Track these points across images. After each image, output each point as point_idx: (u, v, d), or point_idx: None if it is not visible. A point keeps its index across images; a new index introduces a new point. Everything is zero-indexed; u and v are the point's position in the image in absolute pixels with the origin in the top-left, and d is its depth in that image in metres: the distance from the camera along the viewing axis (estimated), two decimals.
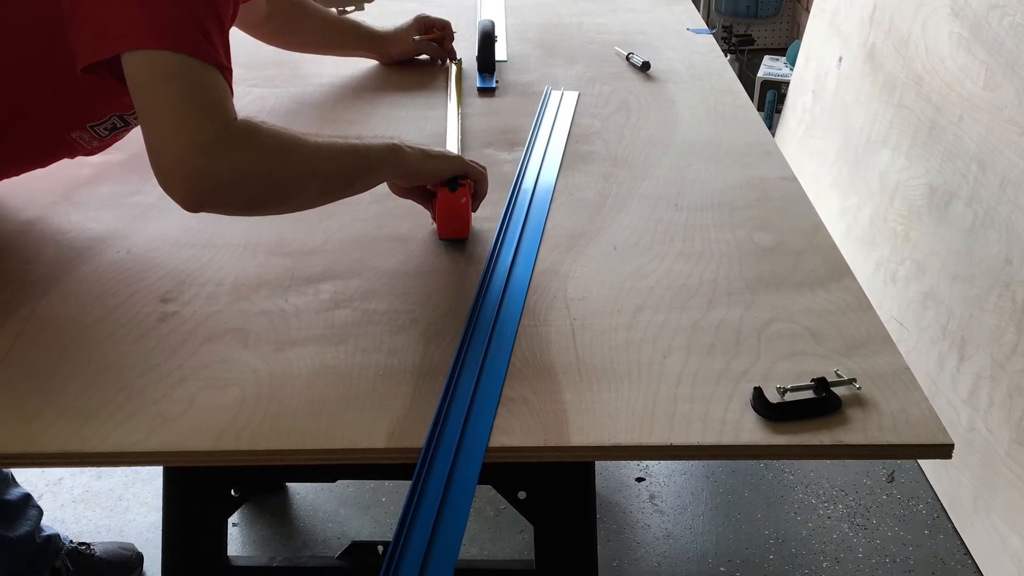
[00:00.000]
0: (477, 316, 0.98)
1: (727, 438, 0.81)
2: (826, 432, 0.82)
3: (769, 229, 1.15)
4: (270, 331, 0.96)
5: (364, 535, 1.86)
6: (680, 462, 2.01)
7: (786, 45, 3.72)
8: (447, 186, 1.09)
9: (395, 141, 1.05)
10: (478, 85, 1.63)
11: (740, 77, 1.85)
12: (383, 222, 1.17)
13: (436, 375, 0.89)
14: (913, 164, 2.11)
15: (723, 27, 3.89)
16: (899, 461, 2.01)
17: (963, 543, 1.82)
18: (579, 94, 1.58)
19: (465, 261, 1.10)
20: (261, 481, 1.31)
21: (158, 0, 0.89)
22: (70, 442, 0.81)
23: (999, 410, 1.69)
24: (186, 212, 0.91)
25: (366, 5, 1.98)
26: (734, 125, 1.47)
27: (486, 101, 1.58)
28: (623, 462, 2.00)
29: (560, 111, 1.51)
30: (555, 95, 1.57)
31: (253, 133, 0.92)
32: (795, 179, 1.29)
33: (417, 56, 1.73)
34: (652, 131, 1.44)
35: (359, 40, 1.67)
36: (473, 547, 1.81)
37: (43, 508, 1.65)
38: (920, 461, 2.00)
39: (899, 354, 0.92)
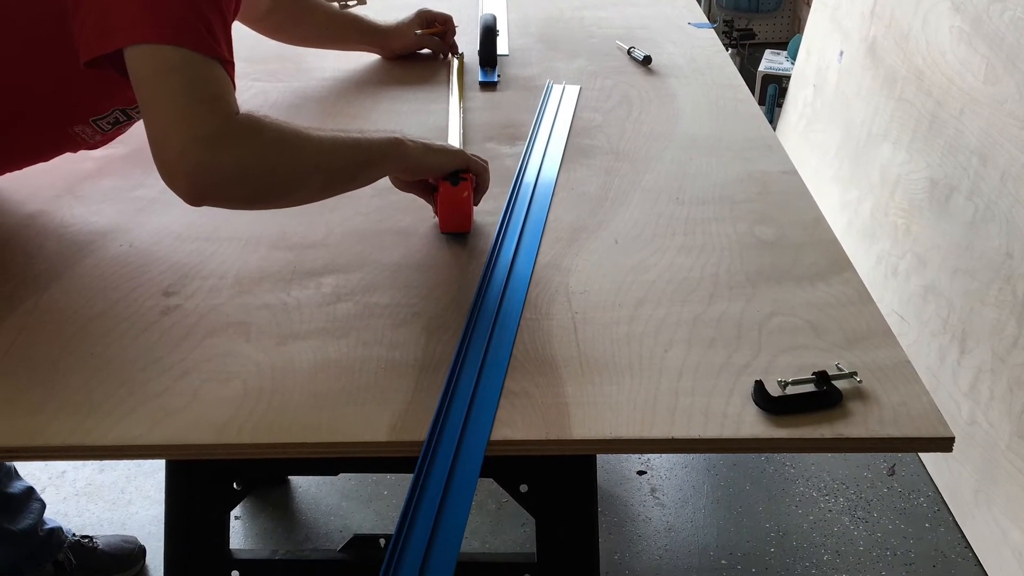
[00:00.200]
0: (479, 310, 0.98)
1: (728, 431, 0.81)
2: (827, 425, 0.82)
3: (770, 223, 1.15)
4: (272, 324, 0.96)
5: (366, 528, 1.86)
6: (681, 455, 2.02)
7: (787, 39, 3.72)
8: (449, 180, 1.09)
9: (397, 135, 1.05)
10: (480, 79, 1.63)
11: (741, 71, 1.85)
12: (385, 216, 1.17)
13: (438, 368, 0.89)
14: (914, 158, 2.11)
15: (724, 21, 3.89)
16: (900, 454, 2.01)
17: (964, 536, 1.82)
18: (580, 88, 1.58)
19: (467, 255, 1.10)
20: (263, 474, 1.32)
21: None
22: (73, 435, 0.81)
23: (1000, 403, 1.69)
24: (188, 206, 0.91)
25: None
26: (735, 119, 1.47)
27: (488, 95, 1.58)
28: (624, 455, 2.01)
29: (562, 105, 1.51)
30: (556, 89, 1.57)
31: (255, 127, 0.92)
32: (796, 173, 1.29)
33: (419, 50, 1.73)
34: (653, 125, 1.44)
35: (361, 34, 1.67)
36: (475, 540, 1.82)
37: (46, 501, 1.66)
38: (921, 454, 2.00)
39: (900, 347, 0.92)
